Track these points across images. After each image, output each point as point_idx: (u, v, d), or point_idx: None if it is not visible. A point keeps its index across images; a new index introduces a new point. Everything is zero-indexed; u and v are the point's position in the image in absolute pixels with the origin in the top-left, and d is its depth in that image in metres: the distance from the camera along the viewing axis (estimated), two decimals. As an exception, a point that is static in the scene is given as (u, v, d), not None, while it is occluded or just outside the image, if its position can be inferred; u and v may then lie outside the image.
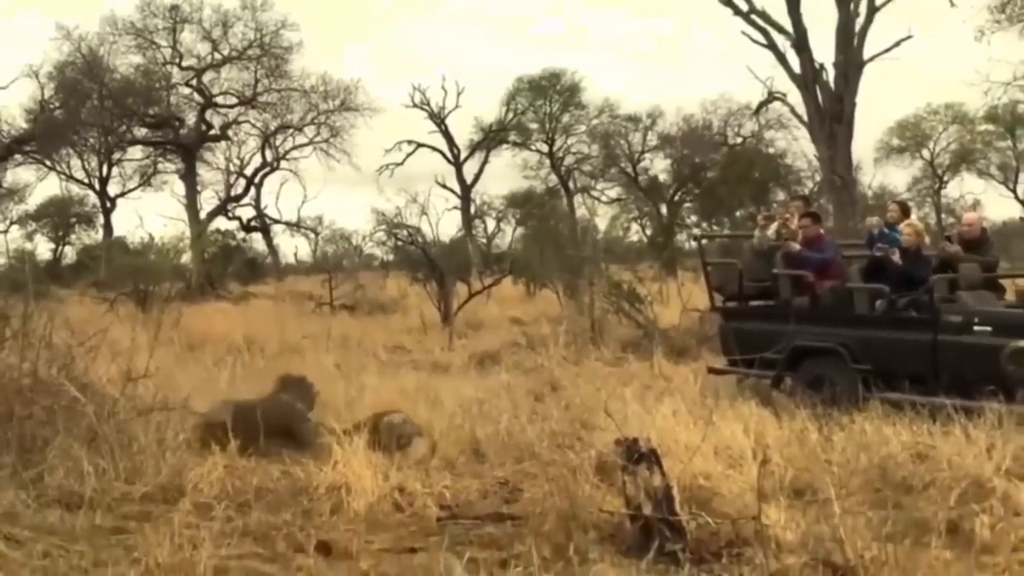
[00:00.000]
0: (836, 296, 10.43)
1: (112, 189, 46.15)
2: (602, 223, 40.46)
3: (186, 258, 33.88)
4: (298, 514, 6.33)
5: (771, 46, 26.23)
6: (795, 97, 27.12)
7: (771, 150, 47.06)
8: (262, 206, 47.92)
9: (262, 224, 48.03)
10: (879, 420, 8.23)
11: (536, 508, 6.13)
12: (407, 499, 6.63)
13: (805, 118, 26.84)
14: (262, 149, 44.83)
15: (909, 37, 25.58)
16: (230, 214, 45.09)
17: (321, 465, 7.25)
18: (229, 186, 44.69)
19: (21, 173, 44.69)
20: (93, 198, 48.27)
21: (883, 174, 53.43)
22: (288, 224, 48.43)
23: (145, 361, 8.45)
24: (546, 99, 52.37)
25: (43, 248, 51.38)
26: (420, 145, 51.07)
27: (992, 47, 32.52)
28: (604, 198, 51.45)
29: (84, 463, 6.71)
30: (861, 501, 6.38)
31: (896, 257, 9.99)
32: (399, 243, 27.51)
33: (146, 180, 45.51)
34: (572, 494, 6.02)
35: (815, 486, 6.59)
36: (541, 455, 7.58)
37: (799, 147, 42.80)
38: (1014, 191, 48.59)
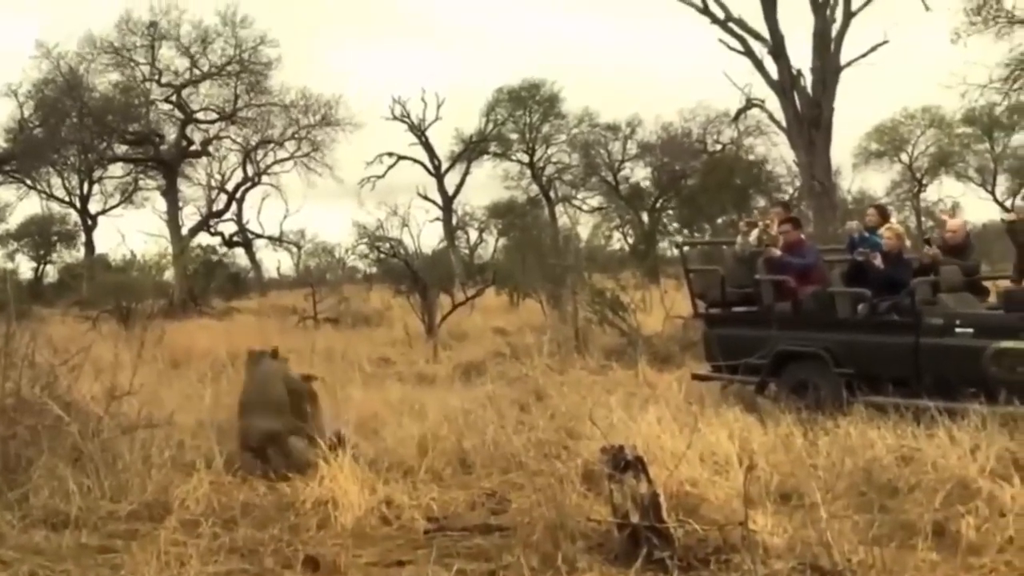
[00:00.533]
0: (818, 301, 10.43)
1: (93, 207, 46.02)
2: (584, 232, 40.64)
3: (168, 274, 33.72)
4: (285, 529, 6.32)
5: (748, 53, 26.35)
6: (773, 103, 27.25)
7: (751, 157, 47.49)
8: (244, 221, 47.99)
9: (244, 239, 47.96)
10: (863, 424, 8.22)
11: (523, 518, 6.13)
12: (394, 512, 6.63)
13: (784, 124, 26.95)
14: (243, 164, 44.82)
15: (885, 42, 25.77)
16: (212, 230, 45.05)
17: (307, 480, 7.24)
18: (211, 201, 44.70)
19: (1, 192, 44.71)
20: (74, 216, 48.17)
21: (862, 179, 54.14)
22: (270, 238, 48.49)
23: (129, 378, 8.43)
24: (526, 110, 52.51)
25: (24, 267, 51.32)
26: (401, 157, 51.16)
27: (968, 49, 32.81)
28: (585, 207, 51.73)
29: (69, 482, 6.69)
30: (847, 505, 6.40)
31: (877, 261, 10.01)
32: (382, 256, 27.45)
33: (127, 197, 45.40)
34: (559, 503, 6.02)
35: (801, 491, 6.61)
36: (528, 465, 7.59)
37: (778, 153, 43.31)
38: (992, 193, 48.96)
